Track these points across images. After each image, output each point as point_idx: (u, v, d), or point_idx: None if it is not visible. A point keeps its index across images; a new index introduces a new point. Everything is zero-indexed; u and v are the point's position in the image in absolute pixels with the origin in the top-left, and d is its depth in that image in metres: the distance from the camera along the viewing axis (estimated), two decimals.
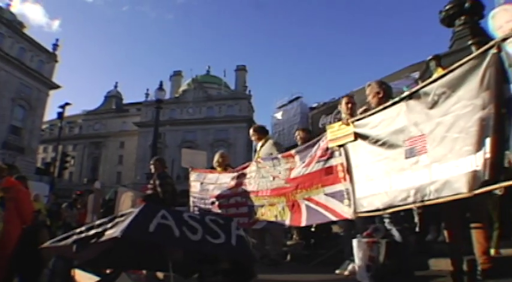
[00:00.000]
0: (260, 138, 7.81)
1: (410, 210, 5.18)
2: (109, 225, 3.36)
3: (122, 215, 3.40)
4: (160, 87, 18.61)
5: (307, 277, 6.20)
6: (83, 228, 3.75)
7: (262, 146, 7.57)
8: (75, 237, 3.69)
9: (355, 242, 4.88)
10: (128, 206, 9.31)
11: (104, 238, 3.31)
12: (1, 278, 5.75)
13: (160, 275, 6.24)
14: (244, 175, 6.85)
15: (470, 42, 8.89)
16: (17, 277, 5.78)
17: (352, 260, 5.25)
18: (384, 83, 5.38)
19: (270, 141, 7.66)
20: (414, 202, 3.86)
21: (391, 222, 4.83)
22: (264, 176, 6.38)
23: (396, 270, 4.64)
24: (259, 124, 9.61)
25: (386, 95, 5.07)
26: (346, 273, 5.70)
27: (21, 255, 5.74)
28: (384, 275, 4.56)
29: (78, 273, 4.95)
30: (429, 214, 5.85)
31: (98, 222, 3.60)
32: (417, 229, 6.06)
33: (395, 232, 4.79)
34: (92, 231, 3.51)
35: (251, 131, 8.07)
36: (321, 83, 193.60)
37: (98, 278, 5.02)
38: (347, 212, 4.83)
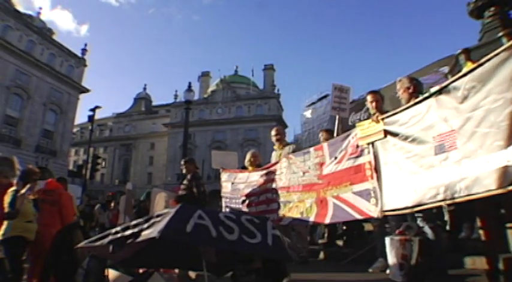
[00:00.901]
0: (282, 139, 7.84)
1: (441, 207, 5.10)
2: (145, 225, 3.37)
3: (158, 216, 3.40)
4: (189, 88, 18.61)
5: (340, 276, 6.16)
6: (118, 229, 3.76)
7: (283, 147, 7.60)
8: (111, 237, 3.71)
9: (387, 240, 4.83)
10: (161, 206, 9.36)
11: (140, 238, 3.32)
12: (38, 277, 5.86)
13: (192, 274, 6.27)
14: (274, 171, 6.84)
15: (500, 33, 8.68)
16: (52, 276, 5.88)
17: (385, 258, 5.21)
18: (414, 78, 5.32)
19: (291, 146, 7.61)
20: (444, 200, 3.76)
21: (424, 219, 4.77)
22: (294, 171, 6.35)
23: (429, 269, 4.58)
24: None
25: (417, 91, 5.01)
26: (377, 271, 5.68)
27: (56, 255, 5.83)
28: (417, 273, 4.50)
29: (111, 273, 5.01)
30: (462, 211, 5.73)
31: (133, 222, 3.59)
32: (448, 227, 5.95)
33: (428, 230, 4.70)
34: (128, 232, 3.52)
35: (276, 131, 8.06)
36: (349, 79, 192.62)
37: (130, 278, 5.08)
38: (373, 211, 4.76)
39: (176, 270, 6.00)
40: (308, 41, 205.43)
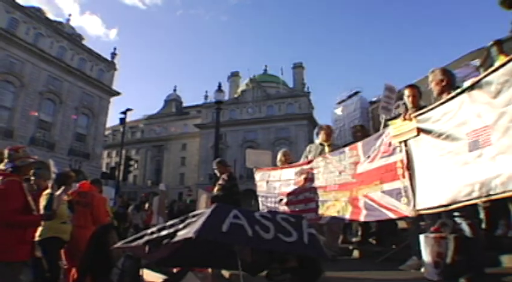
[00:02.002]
0: (328, 139, 7.85)
1: (476, 205, 5.01)
2: (181, 225, 3.38)
3: (193, 216, 3.41)
4: (219, 89, 18.65)
5: (373, 274, 6.12)
6: (154, 229, 3.79)
7: (329, 145, 7.60)
8: (147, 237, 3.76)
9: (422, 237, 4.79)
10: (203, 206, 9.46)
11: (176, 238, 3.34)
12: (74, 277, 5.98)
13: (226, 273, 6.33)
14: (311, 170, 6.84)
15: None
16: (88, 276, 6.00)
17: (419, 256, 5.17)
18: (447, 70, 5.17)
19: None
20: (479, 197, 3.71)
21: (461, 216, 4.69)
22: (331, 170, 6.35)
23: (466, 267, 4.51)
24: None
25: (450, 84, 4.91)
26: (411, 269, 5.64)
27: (91, 255, 5.94)
28: (453, 271, 4.45)
29: (146, 273, 5.09)
30: (498, 208, 5.65)
31: (169, 223, 3.60)
32: (483, 225, 5.86)
33: (465, 227, 4.59)
34: (164, 232, 3.55)
35: (326, 130, 8.04)
36: (379, 75, 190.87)
37: (165, 277, 5.15)
38: (405, 210, 4.74)
39: (210, 270, 6.06)
40: (337, 38, 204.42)
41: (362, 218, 5.60)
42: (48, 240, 5.82)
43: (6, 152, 5.01)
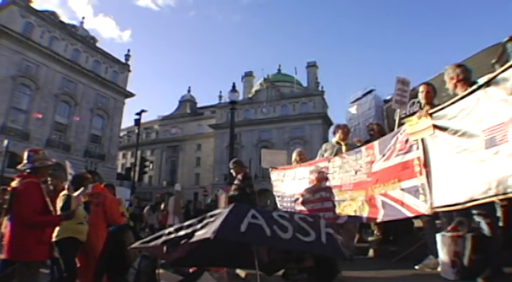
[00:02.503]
0: (345, 138, 7.84)
1: (494, 203, 4.94)
2: (198, 226, 3.40)
3: (211, 216, 3.42)
4: (233, 89, 18.60)
5: (389, 273, 6.05)
6: (171, 229, 3.81)
7: (346, 145, 7.59)
8: (164, 238, 3.77)
9: (438, 236, 4.76)
10: (223, 206, 9.49)
11: (194, 238, 3.36)
12: (91, 277, 6.04)
13: (242, 273, 6.34)
14: (327, 169, 6.83)
15: None
16: (105, 276, 6.05)
17: (436, 255, 5.14)
18: (463, 66, 5.12)
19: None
20: (496, 195, 3.66)
21: (480, 214, 4.63)
22: (347, 170, 6.33)
23: (484, 266, 4.46)
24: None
25: (465, 79, 4.89)
26: (427, 269, 5.61)
27: (108, 255, 5.99)
28: (470, 271, 4.41)
29: (162, 272, 5.12)
30: None
31: (187, 223, 3.61)
32: (501, 223, 5.78)
33: (484, 225, 4.53)
34: (182, 232, 3.56)
35: (343, 129, 8.02)
36: (393, 73, 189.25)
37: (181, 277, 5.17)
38: (423, 208, 4.68)
39: (225, 269, 6.08)
40: (351, 36, 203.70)
41: (380, 218, 5.57)
42: (65, 240, 5.88)
43: (25, 153, 5.09)
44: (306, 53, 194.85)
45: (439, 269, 5.00)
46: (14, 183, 4.94)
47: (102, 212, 6.79)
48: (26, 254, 4.57)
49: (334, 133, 8.09)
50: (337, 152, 7.32)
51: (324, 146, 8.15)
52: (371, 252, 8.04)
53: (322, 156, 7.74)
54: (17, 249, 4.59)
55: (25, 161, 4.99)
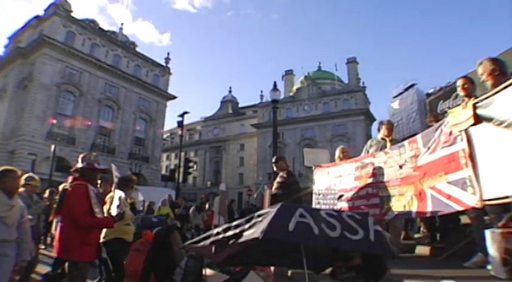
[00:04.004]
0: (390, 133, 7.76)
1: None
2: (246, 226, 3.40)
3: (259, 215, 3.41)
4: (275, 88, 18.59)
5: (437, 272, 5.86)
6: (219, 229, 3.82)
7: (391, 141, 7.51)
8: (213, 238, 3.80)
9: (488, 233, 4.64)
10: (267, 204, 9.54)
11: (243, 239, 3.36)
12: (139, 276, 6.14)
13: (288, 272, 6.34)
14: (372, 165, 6.76)
15: None
16: (153, 276, 6.14)
17: (485, 253, 5.02)
18: (497, 59, 5.00)
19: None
20: None
21: None
22: (391, 165, 6.24)
23: None
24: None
25: (502, 72, 4.77)
26: (476, 266, 5.49)
27: (156, 255, 6.07)
28: None
29: (208, 272, 5.15)
30: None
31: (234, 223, 3.64)
32: None
33: None
34: (230, 232, 3.57)
35: (387, 125, 7.97)
36: (434, 66, 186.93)
37: (227, 276, 5.20)
38: (472, 201, 4.52)
39: (272, 268, 6.08)
40: (389, 29, 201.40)
41: (429, 213, 5.47)
42: (112, 241, 6.04)
43: (80, 158, 5.25)
44: (345, 49, 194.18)
45: (488, 267, 4.88)
46: (63, 185, 5.08)
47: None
48: (72, 253, 4.75)
49: (379, 129, 8.02)
50: (382, 148, 7.24)
51: (369, 142, 8.09)
52: (418, 250, 7.92)
53: (368, 152, 7.66)
54: (64, 248, 4.82)
55: (77, 165, 5.15)
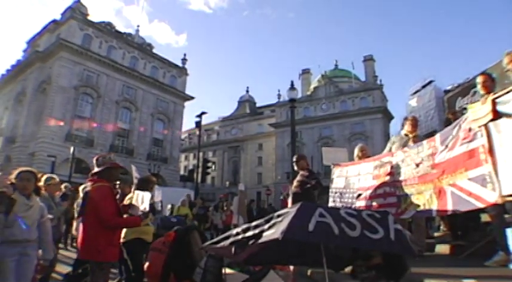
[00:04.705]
0: (414, 129, 7.73)
1: None
2: (266, 226, 3.39)
3: (278, 215, 3.39)
4: (292, 87, 18.62)
5: (458, 270, 5.81)
6: (239, 230, 3.81)
7: (414, 137, 7.48)
8: (232, 239, 3.80)
9: (509, 231, 4.61)
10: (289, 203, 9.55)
11: (262, 239, 3.34)
12: (159, 276, 6.19)
13: (307, 271, 6.33)
14: (390, 163, 6.72)
15: None
16: (172, 276, 6.18)
17: (507, 251, 4.97)
18: None
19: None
20: None
21: None
22: (408, 163, 6.22)
23: None
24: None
25: None
26: (497, 265, 5.44)
27: (175, 255, 6.10)
28: None
29: (228, 271, 5.17)
30: None
31: (254, 223, 3.63)
32: None
33: None
34: (249, 233, 3.56)
35: (411, 121, 7.94)
36: (452, 62, 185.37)
37: (246, 276, 5.21)
38: (491, 197, 4.46)
39: (291, 267, 6.08)
40: (406, 27, 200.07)
41: (450, 211, 5.42)
42: (132, 241, 6.09)
43: (94, 159, 5.30)
44: (361, 47, 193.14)
45: (511, 266, 4.85)
46: (83, 187, 5.14)
47: None
48: (98, 254, 4.78)
49: (403, 125, 8.00)
50: (405, 145, 7.22)
51: (392, 138, 8.09)
52: (438, 248, 7.87)
53: (390, 149, 7.66)
54: (90, 249, 4.83)
55: (95, 167, 5.19)
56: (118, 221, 4.98)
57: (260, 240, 3.35)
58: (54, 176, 7.99)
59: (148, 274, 6.23)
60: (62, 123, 48.64)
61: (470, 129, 4.86)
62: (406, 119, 8.03)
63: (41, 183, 5.82)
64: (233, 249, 3.97)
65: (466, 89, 17.52)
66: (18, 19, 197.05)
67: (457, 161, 5.06)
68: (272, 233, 3.19)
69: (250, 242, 3.49)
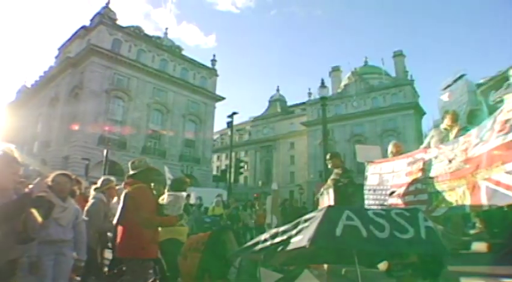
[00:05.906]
0: (454, 123, 7.66)
1: None
2: (293, 232, 3.35)
3: (305, 220, 3.34)
4: (322, 85, 18.59)
5: (498, 269, 5.65)
6: (267, 236, 3.79)
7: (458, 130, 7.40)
8: (260, 245, 3.79)
9: None
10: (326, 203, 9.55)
11: (290, 247, 3.31)
12: (194, 276, 6.24)
13: (342, 270, 6.30)
14: (422, 160, 6.65)
15: None
16: (207, 276, 6.22)
17: None
18: None
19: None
20: None
21: None
22: (441, 160, 6.14)
23: None
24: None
25: None
26: None
27: (210, 255, 6.14)
28: None
29: (262, 271, 5.17)
30: None
31: (282, 228, 3.60)
32: None
33: None
34: (277, 239, 3.54)
35: (451, 115, 7.86)
36: (484, 54, 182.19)
37: (281, 275, 5.21)
38: None
39: (325, 266, 6.06)
40: (436, 21, 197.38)
41: (485, 205, 5.31)
42: (166, 241, 6.17)
43: (130, 163, 5.48)
44: (391, 42, 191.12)
45: None
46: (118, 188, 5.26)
47: None
48: (142, 251, 5.03)
49: (443, 119, 7.92)
50: (444, 139, 7.17)
51: (431, 132, 8.05)
52: (474, 246, 7.75)
53: (429, 143, 7.62)
54: (133, 247, 5.03)
55: (130, 170, 5.34)
56: (159, 219, 5.22)
57: (288, 248, 3.33)
58: (110, 177, 7.81)
59: (183, 274, 6.28)
60: (94, 127, 49.41)
61: (506, 121, 4.75)
62: (446, 112, 7.95)
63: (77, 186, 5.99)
64: (262, 257, 3.98)
65: (500, 81, 17.14)
66: (50, 27, 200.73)
67: (493, 154, 4.93)
68: (299, 239, 3.17)
69: (279, 249, 3.48)
